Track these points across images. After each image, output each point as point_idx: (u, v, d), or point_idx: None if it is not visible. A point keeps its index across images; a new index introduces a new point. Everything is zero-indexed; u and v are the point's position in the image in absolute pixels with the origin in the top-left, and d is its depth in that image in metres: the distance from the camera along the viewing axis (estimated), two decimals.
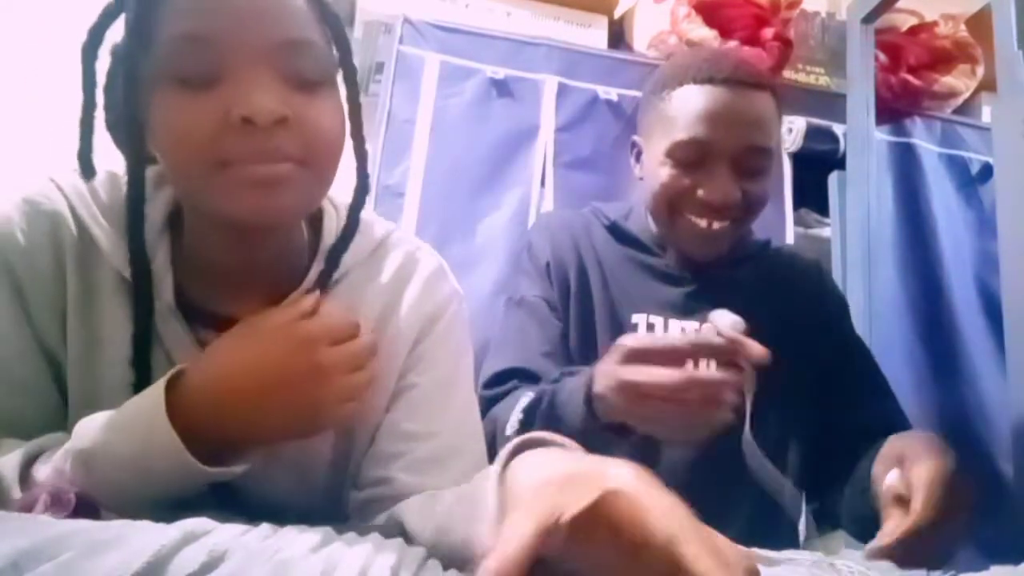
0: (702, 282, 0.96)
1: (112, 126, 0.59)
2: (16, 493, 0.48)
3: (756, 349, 0.64)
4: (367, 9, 1.41)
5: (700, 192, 0.89)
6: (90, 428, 0.50)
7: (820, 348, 0.95)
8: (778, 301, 0.97)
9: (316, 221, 0.65)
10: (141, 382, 0.56)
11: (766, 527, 0.86)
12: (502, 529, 0.31)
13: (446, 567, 0.39)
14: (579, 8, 1.54)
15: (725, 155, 0.88)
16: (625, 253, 1.00)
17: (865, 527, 0.83)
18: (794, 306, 0.97)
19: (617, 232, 1.01)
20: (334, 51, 0.57)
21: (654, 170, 0.93)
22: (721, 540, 0.32)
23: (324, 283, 0.60)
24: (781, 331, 0.94)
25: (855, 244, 1.36)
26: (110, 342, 0.57)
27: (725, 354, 0.65)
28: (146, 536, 0.32)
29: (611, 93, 1.43)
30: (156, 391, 0.50)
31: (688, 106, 0.89)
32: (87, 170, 0.55)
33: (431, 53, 1.38)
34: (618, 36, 1.59)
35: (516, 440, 0.40)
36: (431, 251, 0.70)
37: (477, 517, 0.37)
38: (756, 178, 0.90)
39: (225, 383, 0.51)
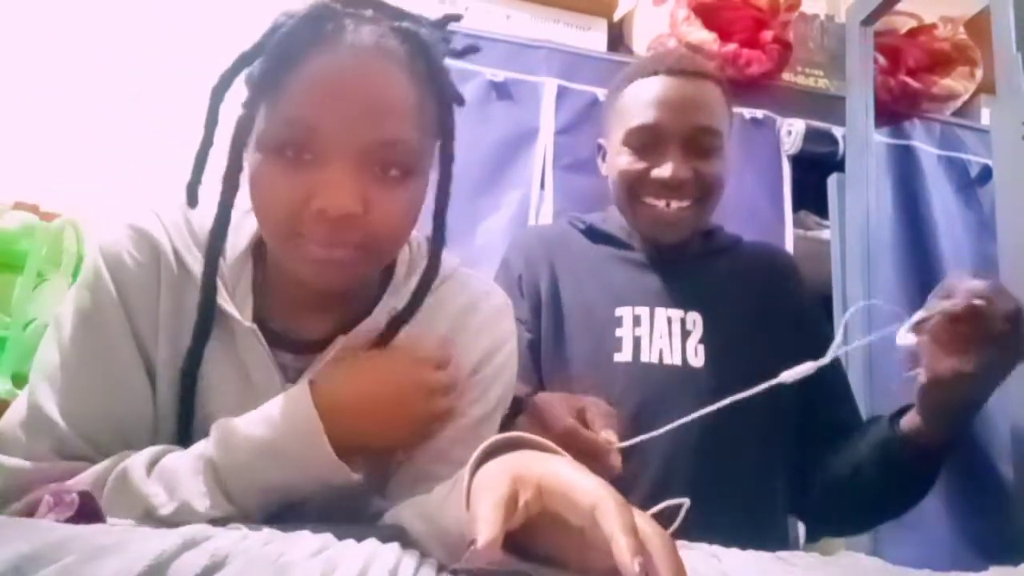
0: (680, 272, 1.00)
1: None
2: (145, 486, 0.54)
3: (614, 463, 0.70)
4: None
5: (654, 172, 0.94)
6: (232, 421, 0.57)
7: (792, 343, 0.95)
8: (752, 292, 1.00)
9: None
10: (186, 393, 0.62)
11: (759, 528, 0.87)
12: (473, 517, 0.36)
13: (440, 554, 0.41)
14: (578, 11, 1.54)
15: (675, 136, 0.94)
16: (603, 252, 1.03)
17: (839, 510, 0.90)
18: (767, 299, 1.00)
19: (593, 233, 1.05)
20: (434, 137, 0.63)
21: (613, 160, 0.99)
22: (640, 515, 0.35)
23: (402, 322, 0.66)
24: (752, 321, 0.96)
25: (854, 246, 1.36)
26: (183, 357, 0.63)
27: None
28: (147, 541, 0.32)
29: None
30: (302, 393, 0.57)
31: (638, 97, 0.96)
32: (192, 199, 0.61)
33: None
34: (617, 39, 1.59)
35: (491, 440, 0.42)
36: (498, 288, 0.75)
37: (457, 508, 0.40)
38: (707, 158, 0.95)
39: (353, 400, 0.59)
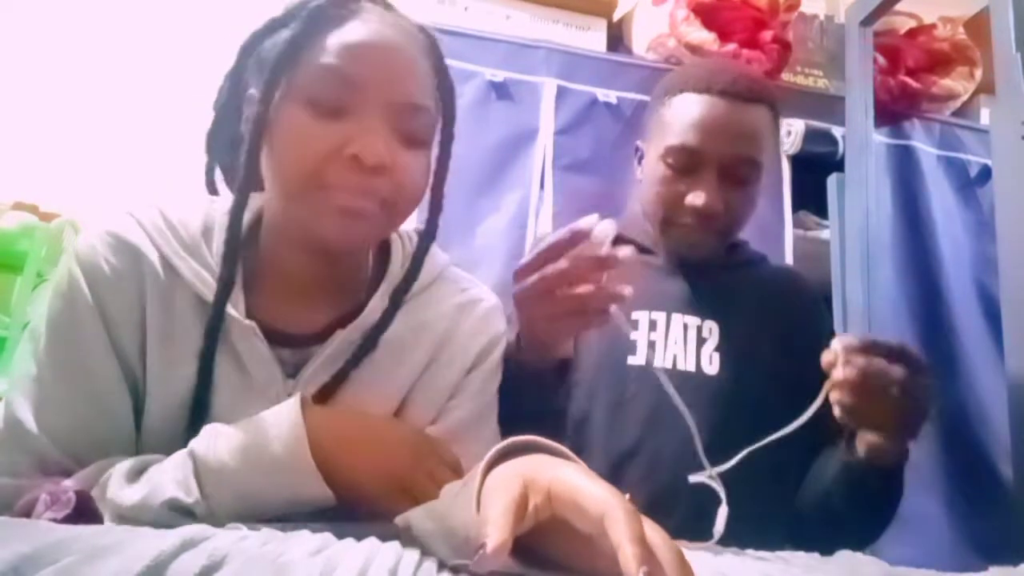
0: (700, 280, 0.99)
1: (217, 146, 0.68)
2: (124, 498, 0.51)
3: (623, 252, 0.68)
4: None
5: (688, 198, 0.93)
6: (222, 424, 0.56)
7: (812, 369, 0.95)
8: (772, 308, 0.99)
9: (384, 250, 0.73)
10: (200, 397, 0.60)
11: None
12: (483, 520, 0.35)
13: (446, 553, 0.41)
14: (578, 11, 1.54)
15: (713, 163, 0.92)
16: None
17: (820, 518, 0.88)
18: (788, 318, 0.99)
19: (614, 239, 1.03)
20: (440, 116, 0.67)
21: (650, 171, 0.98)
22: (650, 525, 0.35)
23: (388, 319, 0.67)
24: (770, 335, 0.96)
25: (854, 246, 1.36)
26: (187, 362, 0.61)
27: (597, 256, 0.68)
28: (146, 541, 0.32)
29: (610, 96, 1.44)
30: (292, 403, 0.56)
31: (684, 113, 0.93)
32: (212, 186, 0.65)
33: None
34: (617, 39, 1.59)
35: (505, 443, 0.42)
36: (487, 289, 0.77)
37: (465, 509, 0.40)
38: (741, 188, 0.94)
39: (342, 430, 0.58)
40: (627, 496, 0.35)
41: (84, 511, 0.46)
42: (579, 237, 0.66)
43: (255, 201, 0.67)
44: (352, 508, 0.56)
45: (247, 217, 0.65)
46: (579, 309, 0.68)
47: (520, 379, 0.76)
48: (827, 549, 0.88)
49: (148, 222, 0.63)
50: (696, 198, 0.92)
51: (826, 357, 0.72)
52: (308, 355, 0.64)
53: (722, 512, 0.69)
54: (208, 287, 0.61)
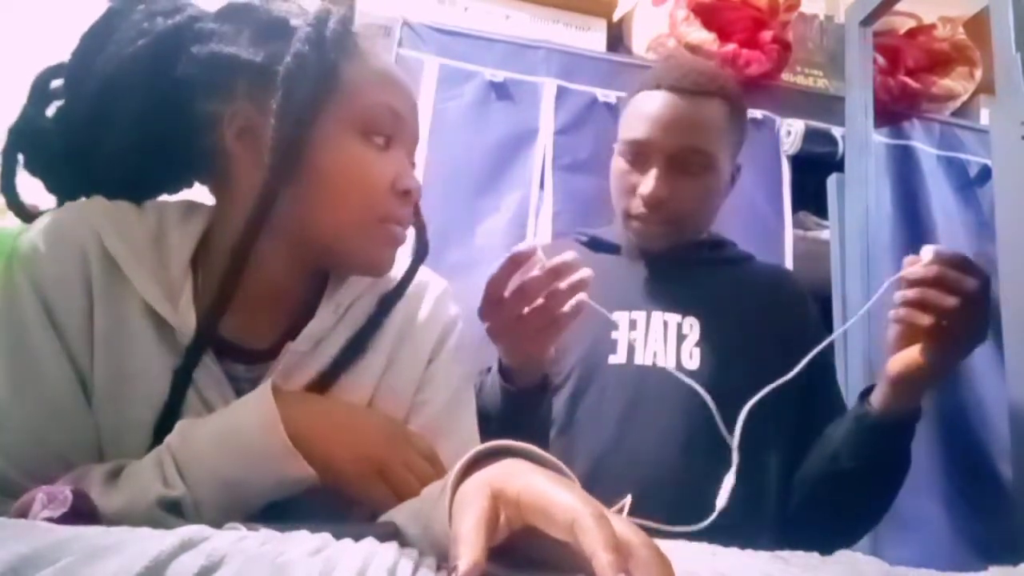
0: (681, 278, 1.01)
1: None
2: (107, 503, 0.50)
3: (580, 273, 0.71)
4: (366, 12, 1.41)
5: (639, 188, 0.96)
6: (188, 420, 0.55)
7: (791, 358, 0.89)
8: (755, 306, 1.00)
9: None
10: (167, 421, 0.57)
11: (744, 529, 0.87)
12: (455, 538, 0.35)
13: (436, 557, 0.41)
14: (578, 11, 1.55)
15: (661, 154, 0.95)
16: (604, 260, 1.04)
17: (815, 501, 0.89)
18: (771, 317, 0.99)
19: (595, 244, 1.07)
20: None
21: (612, 168, 1.02)
22: (624, 523, 0.34)
23: (376, 327, 0.67)
24: (752, 332, 0.96)
25: (854, 246, 1.36)
26: (138, 377, 0.58)
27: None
28: (145, 542, 0.32)
29: (610, 96, 1.44)
30: (263, 389, 0.56)
31: (638, 109, 0.98)
32: (18, 200, 0.65)
33: (430, 56, 1.39)
34: (617, 39, 1.59)
35: (475, 450, 0.41)
36: (435, 276, 0.77)
37: (445, 519, 0.40)
38: (692, 178, 0.96)
39: (316, 416, 0.58)
40: (628, 500, 0.35)
41: (81, 510, 0.46)
42: (520, 260, 0.70)
43: (202, 214, 0.64)
44: (331, 492, 0.56)
45: (200, 228, 0.63)
46: (550, 315, 0.71)
47: (511, 404, 0.79)
48: (827, 527, 0.88)
49: (97, 215, 0.60)
50: (643, 187, 0.95)
51: (910, 259, 0.76)
52: (263, 371, 0.62)
53: (728, 481, 0.71)
54: (158, 298, 0.58)
